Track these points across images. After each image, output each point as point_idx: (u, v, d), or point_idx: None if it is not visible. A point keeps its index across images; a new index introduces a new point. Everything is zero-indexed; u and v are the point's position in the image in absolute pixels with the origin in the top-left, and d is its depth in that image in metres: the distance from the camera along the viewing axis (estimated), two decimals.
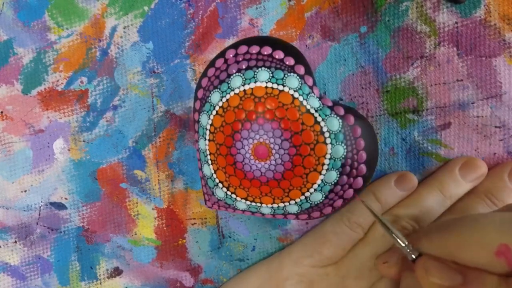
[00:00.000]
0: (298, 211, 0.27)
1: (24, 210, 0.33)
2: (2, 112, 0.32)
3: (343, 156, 0.25)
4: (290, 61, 0.26)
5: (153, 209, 0.32)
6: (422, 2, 0.28)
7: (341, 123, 0.25)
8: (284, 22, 0.30)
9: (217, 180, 0.27)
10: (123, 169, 0.32)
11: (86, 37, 0.31)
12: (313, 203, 0.26)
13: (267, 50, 0.26)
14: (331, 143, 0.25)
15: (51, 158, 0.32)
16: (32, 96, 0.32)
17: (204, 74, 0.27)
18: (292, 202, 0.26)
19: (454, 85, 0.28)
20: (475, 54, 0.28)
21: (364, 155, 0.25)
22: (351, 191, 0.26)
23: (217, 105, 0.26)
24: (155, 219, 0.32)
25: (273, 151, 0.25)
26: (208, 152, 0.27)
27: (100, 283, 0.33)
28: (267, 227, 0.31)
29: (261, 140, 0.25)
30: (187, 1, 0.30)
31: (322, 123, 0.25)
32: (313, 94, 0.25)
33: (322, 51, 0.29)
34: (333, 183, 0.25)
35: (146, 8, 0.31)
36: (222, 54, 0.27)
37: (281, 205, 0.26)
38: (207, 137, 0.26)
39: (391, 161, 0.29)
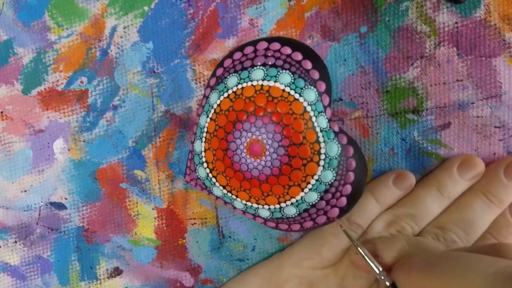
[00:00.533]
0: (269, 217, 0.27)
1: (24, 210, 0.33)
2: (2, 112, 0.32)
3: (329, 182, 0.25)
4: (315, 74, 0.26)
5: (153, 209, 0.32)
6: (422, 2, 0.28)
7: (339, 151, 0.25)
8: (284, 22, 0.30)
9: (204, 159, 0.27)
10: (123, 169, 0.32)
11: (86, 37, 0.31)
12: (284, 215, 0.26)
13: (297, 56, 0.26)
14: (323, 166, 0.25)
15: (51, 158, 0.32)
16: (32, 96, 0.32)
17: (230, 55, 0.28)
18: (266, 207, 0.26)
19: (454, 85, 0.28)
20: (475, 54, 0.28)
21: (349, 189, 0.25)
22: (323, 218, 0.26)
23: (232, 89, 0.26)
24: (155, 219, 0.32)
25: (267, 150, 0.25)
26: (206, 130, 0.27)
27: (100, 283, 0.33)
28: (267, 227, 0.31)
29: (260, 138, 0.25)
30: (187, 1, 0.30)
31: (322, 144, 0.25)
32: (324, 114, 0.25)
33: (322, 51, 0.29)
34: (310, 204, 0.25)
35: (146, 8, 0.31)
36: (254, 43, 0.28)
37: (255, 205, 0.26)
38: (210, 116, 0.27)
39: (391, 161, 0.29)
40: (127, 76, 0.31)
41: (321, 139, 0.25)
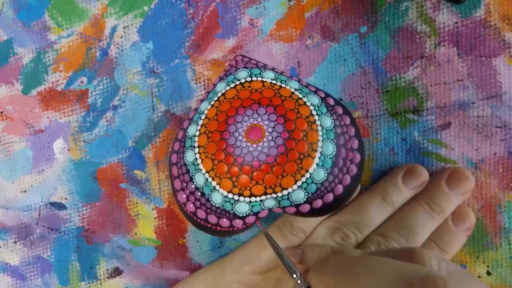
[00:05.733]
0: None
1: (24, 210, 0.33)
2: (2, 112, 0.32)
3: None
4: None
5: (153, 209, 0.32)
6: (422, 2, 0.28)
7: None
8: (284, 22, 0.30)
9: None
10: (123, 169, 0.32)
11: (86, 37, 0.31)
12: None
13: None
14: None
15: (51, 158, 0.32)
16: (32, 96, 0.32)
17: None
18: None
19: (454, 85, 0.28)
20: (475, 54, 0.28)
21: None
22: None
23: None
24: (155, 219, 0.32)
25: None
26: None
27: (100, 283, 0.33)
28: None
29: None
30: (187, 1, 0.30)
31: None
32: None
33: (322, 51, 0.29)
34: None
35: (146, 8, 0.31)
36: None
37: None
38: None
39: (391, 161, 0.29)
40: (127, 76, 0.31)
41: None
